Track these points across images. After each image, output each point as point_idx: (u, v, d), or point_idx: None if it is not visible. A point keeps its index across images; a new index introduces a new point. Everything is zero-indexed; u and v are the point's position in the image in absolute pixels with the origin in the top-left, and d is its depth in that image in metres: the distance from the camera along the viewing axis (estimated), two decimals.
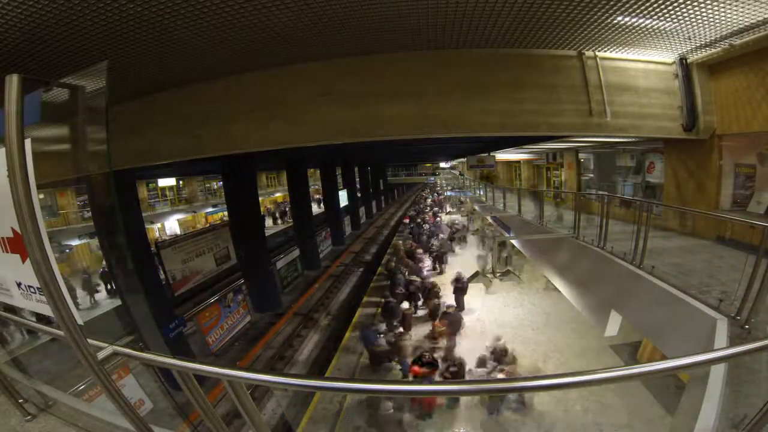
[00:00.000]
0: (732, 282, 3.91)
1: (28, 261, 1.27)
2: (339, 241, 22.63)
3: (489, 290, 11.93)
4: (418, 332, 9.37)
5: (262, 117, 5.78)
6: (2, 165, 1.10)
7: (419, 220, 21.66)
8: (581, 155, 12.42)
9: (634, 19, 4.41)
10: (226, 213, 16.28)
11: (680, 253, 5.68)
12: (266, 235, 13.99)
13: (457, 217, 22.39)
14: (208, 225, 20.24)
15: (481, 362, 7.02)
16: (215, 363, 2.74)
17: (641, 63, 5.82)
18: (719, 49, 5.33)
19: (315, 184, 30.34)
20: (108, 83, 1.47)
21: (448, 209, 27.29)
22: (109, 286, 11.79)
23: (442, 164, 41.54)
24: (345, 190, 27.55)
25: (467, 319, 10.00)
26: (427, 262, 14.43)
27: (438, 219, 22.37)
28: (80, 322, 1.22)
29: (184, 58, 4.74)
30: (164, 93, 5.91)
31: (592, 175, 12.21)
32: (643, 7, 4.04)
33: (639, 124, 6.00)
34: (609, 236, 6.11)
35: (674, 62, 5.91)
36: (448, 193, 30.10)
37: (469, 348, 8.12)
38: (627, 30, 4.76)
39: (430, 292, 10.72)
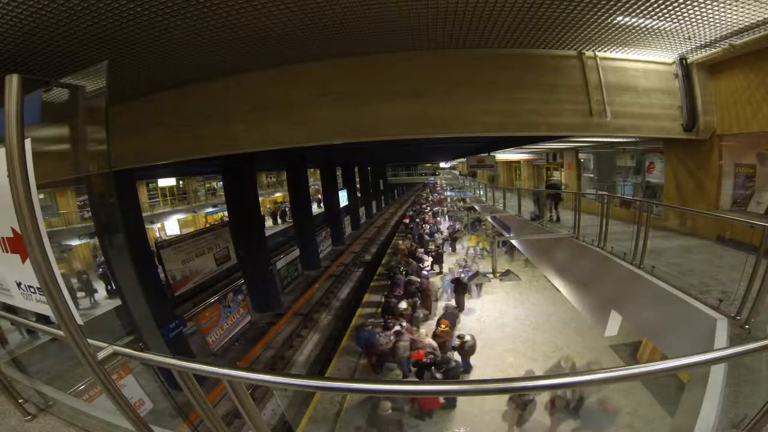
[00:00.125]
0: (732, 282, 3.91)
1: (28, 261, 1.27)
2: (339, 241, 22.63)
3: (487, 289, 11.91)
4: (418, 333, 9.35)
5: (263, 117, 5.78)
6: (2, 165, 1.10)
7: (418, 220, 21.69)
8: (581, 155, 12.42)
9: (634, 19, 4.41)
10: (226, 213, 16.28)
11: (680, 253, 5.68)
12: (266, 235, 14.01)
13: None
14: (207, 225, 20.25)
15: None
16: (215, 363, 2.73)
17: (641, 63, 5.81)
18: (719, 49, 5.32)
19: (315, 184, 30.35)
20: (108, 83, 1.47)
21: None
22: (108, 287, 11.80)
23: (442, 164, 41.57)
24: (345, 190, 27.55)
25: (467, 319, 10.02)
26: (427, 263, 14.45)
27: (438, 219, 22.39)
28: (80, 322, 1.22)
29: (184, 58, 4.74)
30: (164, 93, 5.91)
31: (592, 175, 12.21)
32: (643, 7, 4.04)
33: (639, 124, 5.99)
34: (609, 236, 6.11)
35: (674, 62, 5.91)
36: (448, 193, 30.07)
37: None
38: (627, 30, 4.76)
39: (423, 293, 10.78)
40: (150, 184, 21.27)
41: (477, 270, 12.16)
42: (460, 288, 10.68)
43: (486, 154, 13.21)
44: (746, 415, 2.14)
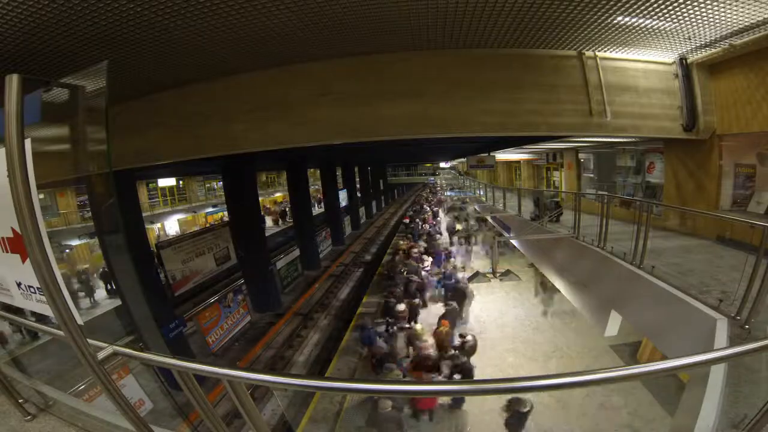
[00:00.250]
0: (732, 282, 3.92)
1: (28, 261, 1.27)
2: (339, 241, 22.63)
3: (485, 290, 11.89)
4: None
5: (263, 117, 5.78)
6: (2, 165, 1.10)
7: (418, 220, 21.66)
8: (581, 155, 12.42)
9: (634, 19, 4.41)
10: (226, 213, 16.28)
11: (680, 253, 5.68)
12: (266, 235, 14.01)
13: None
14: (207, 225, 20.25)
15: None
16: (215, 363, 2.73)
17: (641, 63, 5.81)
18: (719, 49, 5.32)
19: (315, 184, 30.34)
20: (108, 83, 1.47)
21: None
22: (109, 286, 11.79)
23: (442, 164, 41.58)
24: (345, 190, 27.55)
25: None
26: (427, 263, 14.42)
27: (438, 219, 22.37)
28: (80, 322, 1.22)
29: (184, 58, 4.74)
30: (164, 93, 5.91)
31: (592, 175, 12.21)
32: (643, 7, 4.04)
33: (639, 124, 5.99)
34: (609, 236, 6.11)
35: (674, 62, 5.91)
36: (448, 193, 30.07)
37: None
38: (627, 30, 4.76)
39: (422, 293, 10.74)
40: (150, 184, 21.28)
41: (477, 270, 12.15)
42: (458, 296, 10.52)
43: (486, 154, 13.22)
44: (746, 415, 2.14)
